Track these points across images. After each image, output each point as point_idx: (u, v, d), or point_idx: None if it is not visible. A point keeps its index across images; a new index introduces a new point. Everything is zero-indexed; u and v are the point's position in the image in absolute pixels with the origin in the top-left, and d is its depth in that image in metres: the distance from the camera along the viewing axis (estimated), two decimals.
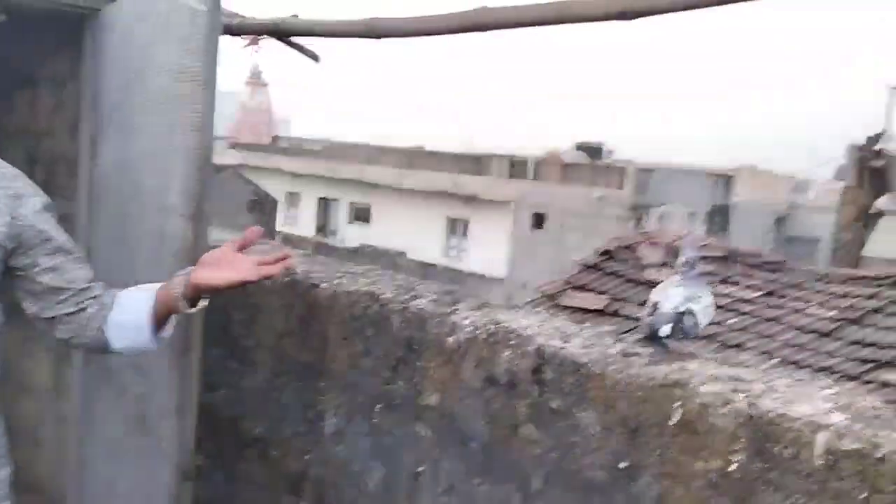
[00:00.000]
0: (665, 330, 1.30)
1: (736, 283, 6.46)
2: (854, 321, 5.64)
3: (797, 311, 5.83)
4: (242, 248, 1.30)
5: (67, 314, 1.33)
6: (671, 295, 1.36)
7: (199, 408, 1.78)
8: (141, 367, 1.79)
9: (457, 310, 1.51)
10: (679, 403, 1.13)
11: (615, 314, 6.05)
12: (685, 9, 1.21)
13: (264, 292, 1.86)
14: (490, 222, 18.55)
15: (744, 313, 5.99)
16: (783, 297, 6.14)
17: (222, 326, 2.01)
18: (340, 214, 23.74)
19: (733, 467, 1.08)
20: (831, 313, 5.74)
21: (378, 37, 1.62)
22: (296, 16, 1.87)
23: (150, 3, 1.87)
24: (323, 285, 1.72)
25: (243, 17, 1.97)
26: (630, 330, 1.40)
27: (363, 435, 1.62)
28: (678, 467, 1.13)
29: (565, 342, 1.32)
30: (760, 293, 6.13)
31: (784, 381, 1.16)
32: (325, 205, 24.20)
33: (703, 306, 1.36)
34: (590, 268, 6.97)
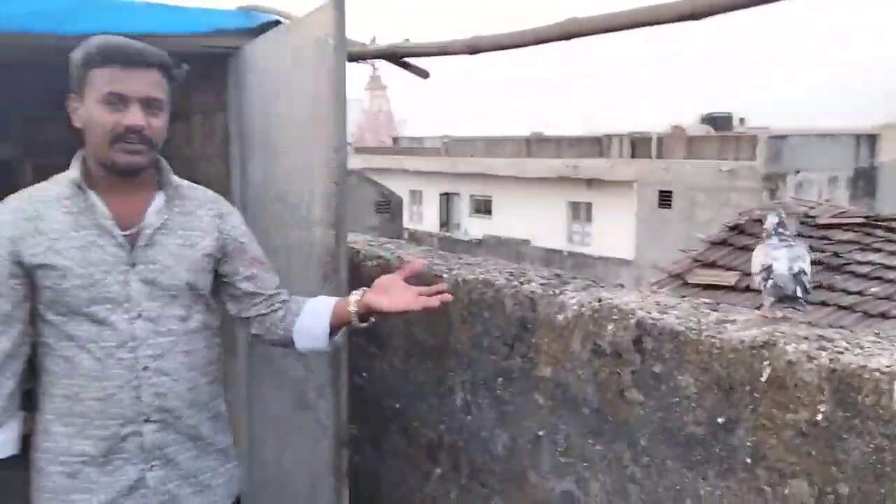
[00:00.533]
0: (797, 290, 1.35)
1: (878, 251, 6.14)
2: None
3: None
4: (408, 277, 1.55)
5: (260, 315, 1.65)
6: (778, 257, 1.40)
7: (349, 389, 2.05)
8: (298, 354, 2.09)
9: (564, 290, 1.68)
10: (768, 362, 1.25)
11: (747, 289, 5.92)
12: (745, 6, 1.29)
13: None
14: (614, 204, 18.26)
15: (888, 280, 5.69)
16: None
17: None
18: (462, 208, 24.14)
19: (819, 417, 1.18)
20: None
21: (478, 52, 1.81)
22: (407, 40, 2.09)
23: (284, 39, 2.15)
24: (444, 275, 1.94)
25: (363, 44, 2.22)
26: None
27: (488, 405, 1.82)
28: (770, 420, 1.24)
29: (663, 314, 1.46)
30: None
31: (869, 339, 1.25)
32: (446, 200, 24.70)
33: (807, 264, 1.41)
34: (717, 244, 6.82)
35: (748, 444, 1.28)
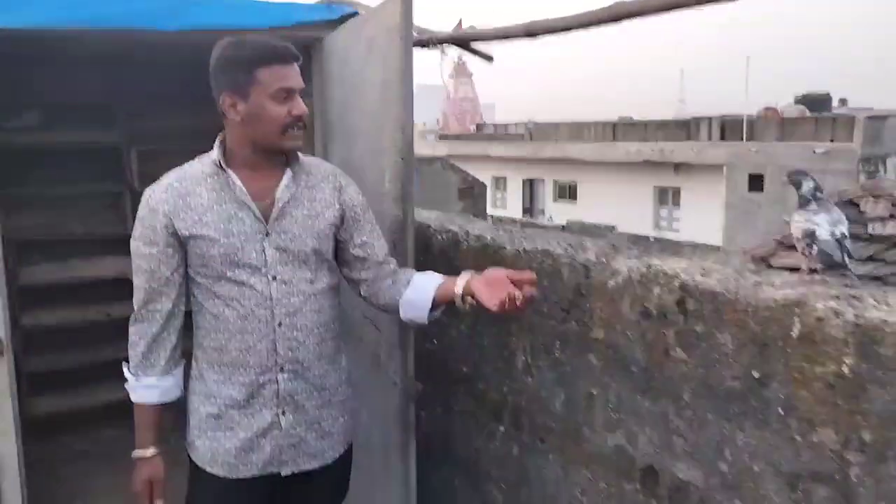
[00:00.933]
0: (843, 257, 1.36)
1: None
2: None
3: None
4: (514, 281, 1.66)
5: (368, 279, 1.85)
6: (820, 222, 1.42)
7: (418, 354, 2.22)
8: (373, 319, 2.27)
9: (616, 258, 1.79)
10: (798, 319, 1.33)
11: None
12: None
13: (463, 255, 2.25)
14: (703, 188, 17.80)
15: None
16: None
17: None
18: (546, 193, 24.04)
19: (845, 369, 1.26)
20: None
21: (535, 35, 1.92)
22: (473, 27, 2.23)
23: (360, 30, 2.33)
24: (508, 247, 2.07)
25: (431, 31, 2.37)
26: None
27: (547, 367, 1.95)
28: (801, 373, 1.33)
29: (705, 277, 1.55)
30: None
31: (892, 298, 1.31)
32: (530, 185, 24.64)
33: (847, 227, 1.42)
34: None
35: (781, 396, 1.37)
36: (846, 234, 1.42)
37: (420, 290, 1.79)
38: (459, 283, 1.73)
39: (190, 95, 4.33)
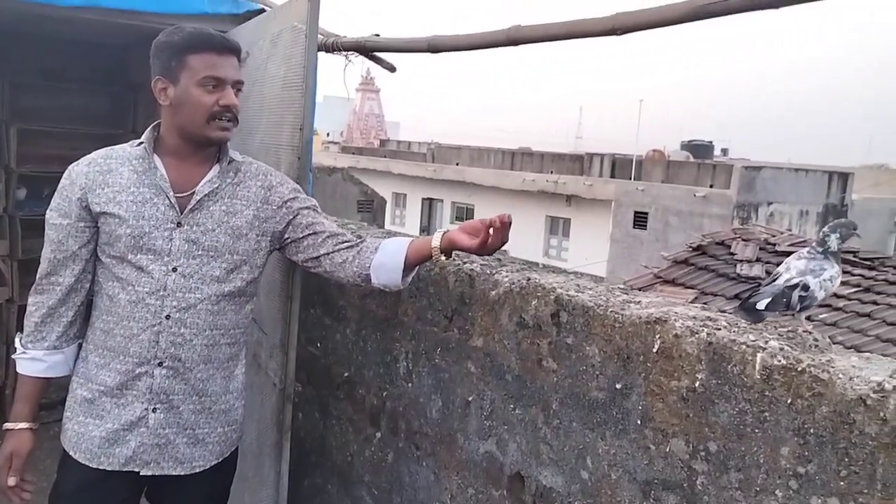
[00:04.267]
0: (762, 304, 1.35)
1: None
2: None
3: (892, 307, 5.74)
4: (490, 226, 1.64)
5: (328, 253, 1.78)
6: (791, 267, 1.41)
7: (299, 357, 2.20)
8: (257, 319, 2.24)
9: (500, 270, 1.85)
10: (659, 336, 1.43)
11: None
12: (667, 24, 1.46)
13: None
14: (591, 221, 18.58)
15: (836, 309, 5.94)
16: (879, 293, 6.04)
17: (320, 290, 2.44)
18: (444, 214, 24.35)
19: (697, 384, 1.36)
20: None
21: (437, 51, 1.98)
22: (377, 35, 2.26)
23: (264, 26, 2.31)
24: None
25: (337, 35, 2.38)
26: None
27: (427, 373, 1.99)
28: (658, 386, 1.42)
29: (579, 293, 1.63)
30: (855, 289, 6.05)
31: (744, 323, 1.43)
32: (429, 205, 24.89)
33: (822, 279, 1.40)
34: (680, 263, 7.07)
35: (639, 407, 1.46)
36: (810, 286, 1.39)
37: (391, 254, 1.77)
38: (436, 238, 1.73)
39: (80, 75, 4.16)
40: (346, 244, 1.80)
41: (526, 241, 20.13)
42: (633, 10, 1.43)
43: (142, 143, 1.68)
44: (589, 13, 1.64)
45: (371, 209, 15.30)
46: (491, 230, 1.62)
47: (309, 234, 1.79)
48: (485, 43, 1.82)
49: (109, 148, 1.71)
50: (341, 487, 2.35)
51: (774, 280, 1.38)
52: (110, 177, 1.65)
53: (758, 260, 6.72)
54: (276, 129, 2.10)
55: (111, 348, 1.66)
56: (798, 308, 1.37)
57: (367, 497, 2.23)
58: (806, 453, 1.20)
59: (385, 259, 1.77)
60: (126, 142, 1.75)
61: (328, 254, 1.80)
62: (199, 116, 1.63)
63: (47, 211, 1.68)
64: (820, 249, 1.43)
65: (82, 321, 1.73)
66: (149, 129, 1.71)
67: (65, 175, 1.68)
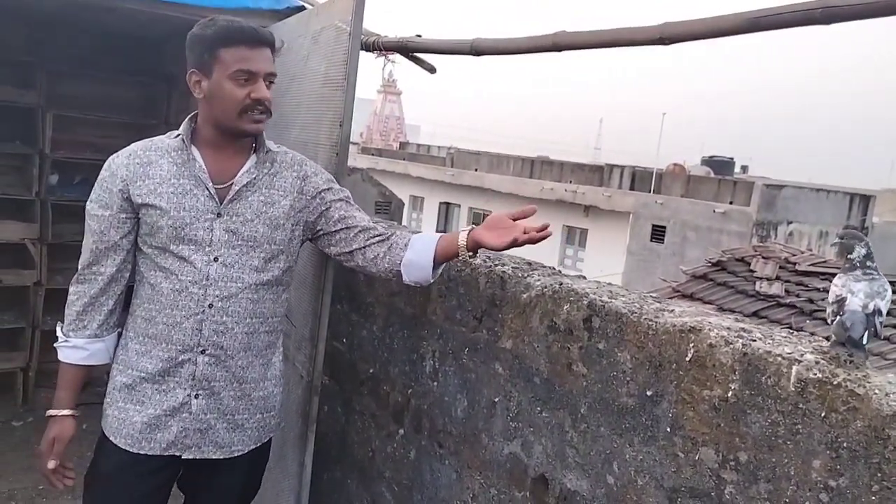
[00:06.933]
0: (863, 335, 1.21)
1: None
2: None
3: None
4: (517, 218, 1.70)
5: (361, 248, 1.81)
6: (856, 290, 1.28)
7: (326, 353, 2.22)
8: (287, 312, 2.26)
9: (532, 274, 1.87)
10: (692, 344, 1.44)
11: None
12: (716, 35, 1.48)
13: None
14: (609, 233, 18.52)
15: None
16: None
17: (348, 286, 2.47)
18: (461, 219, 24.36)
19: (730, 394, 1.37)
20: None
21: (480, 54, 2.00)
22: (419, 36, 2.28)
23: (306, 23, 2.35)
24: None
25: (378, 35, 2.41)
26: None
27: (453, 373, 2.00)
28: (690, 394, 1.43)
29: (612, 299, 1.65)
30: None
31: (782, 334, 1.44)
32: (446, 209, 24.92)
33: (886, 301, 1.28)
34: (699, 277, 7.05)
35: (670, 415, 1.47)
36: (882, 309, 1.27)
37: (420, 251, 1.79)
38: (462, 237, 1.75)
39: (115, 65, 4.22)
40: (377, 238, 1.82)
41: (542, 250, 20.00)
42: (683, 20, 1.45)
43: (179, 134, 1.71)
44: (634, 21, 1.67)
45: (389, 211, 15.30)
46: (525, 234, 1.64)
47: (342, 228, 1.81)
48: (529, 47, 1.84)
49: (148, 140, 1.74)
50: (361, 483, 2.37)
51: (840, 304, 1.25)
52: (150, 168, 1.67)
53: (777, 278, 6.69)
54: (314, 125, 2.13)
55: (153, 336, 1.69)
56: (880, 335, 1.29)
57: (386, 493, 2.25)
58: (838, 467, 1.21)
59: (415, 257, 1.79)
60: (158, 132, 1.79)
61: (361, 248, 1.81)
62: (231, 109, 1.65)
63: (87, 202, 1.71)
64: (873, 265, 1.33)
65: (121, 310, 1.77)
66: (185, 120, 1.73)
67: (105, 167, 1.71)
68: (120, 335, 1.77)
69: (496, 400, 1.86)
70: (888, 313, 1.46)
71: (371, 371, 2.33)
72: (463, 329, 1.98)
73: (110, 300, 1.73)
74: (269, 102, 1.69)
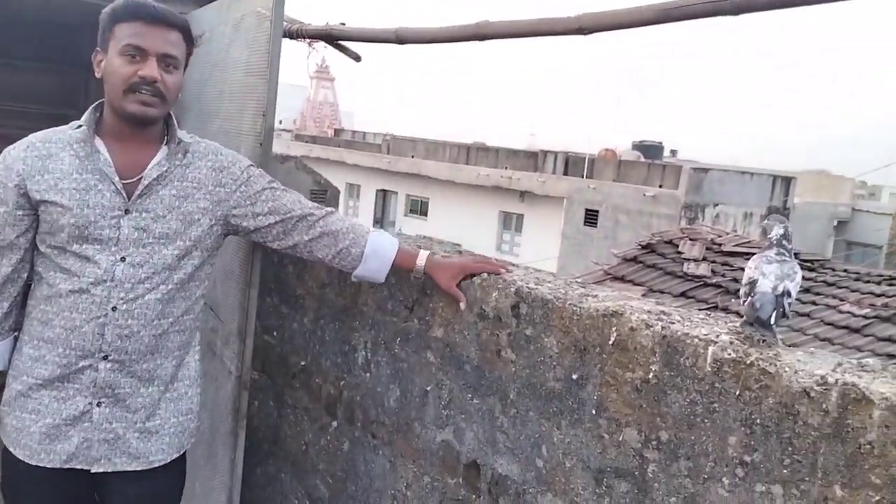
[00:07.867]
0: (771, 315, 1.26)
1: None
2: (887, 319, 5.76)
3: (830, 307, 5.98)
4: (472, 273, 1.75)
5: (304, 240, 1.74)
6: (767, 272, 1.32)
7: (257, 347, 2.19)
8: (213, 307, 2.22)
9: None
10: (615, 328, 1.47)
11: None
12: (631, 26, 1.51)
13: None
14: (544, 218, 18.79)
15: None
16: (818, 294, 6.29)
17: (277, 279, 2.43)
18: (398, 206, 24.29)
19: (651, 375, 1.41)
20: (864, 311, 5.87)
21: (404, 43, 1.99)
22: (343, 24, 2.25)
23: (227, 10, 2.28)
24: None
25: (302, 22, 2.37)
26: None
27: (385, 363, 2.00)
28: (613, 377, 1.47)
29: (538, 285, 1.67)
30: None
31: (700, 316, 1.49)
32: (383, 197, 24.80)
33: (795, 283, 1.33)
34: (629, 260, 7.23)
35: (594, 397, 1.50)
36: (791, 291, 1.33)
37: (380, 259, 1.78)
38: (423, 256, 1.78)
39: (28, 52, 4.02)
40: (317, 225, 1.73)
41: (479, 235, 20.23)
42: (599, 11, 1.47)
43: (81, 125, 1.58)
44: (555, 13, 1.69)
45: (324, 199, 15.08)
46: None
47: (276, 222, 1.71)
48: (453, 36, 1.84)
49: (49, 130, 1.61)
50: (295, 476, 2.35)
51: (752, 285, 1.31)
52: (50, 162, 1.54)
53: (704, 259, 6.91)
54: (237, 115, 2.08)
55: (49, 340, 1.58)
56: (787, 316, 1.33)
57: (321, 485, 2.23)
58: (752, 443, 1.26)
59: (375, 265, 1.79)
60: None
61: (303, 241, 1.74)
62: (117, 87, 1.53)
63: None
64: (789, 248, 1.39)
65: (18, 312, 1.65)
66: (89, 109, 1.60)
67: None
68: (17, 339, 1.66)
69: (428, 389, 1.87)
70: (800, 291, 1.51)
71: (303, 364, 2.31)
72: (394, 319, 1.97)
73: (5, 302, 1.61)
74: (163, 85, 1.54)
